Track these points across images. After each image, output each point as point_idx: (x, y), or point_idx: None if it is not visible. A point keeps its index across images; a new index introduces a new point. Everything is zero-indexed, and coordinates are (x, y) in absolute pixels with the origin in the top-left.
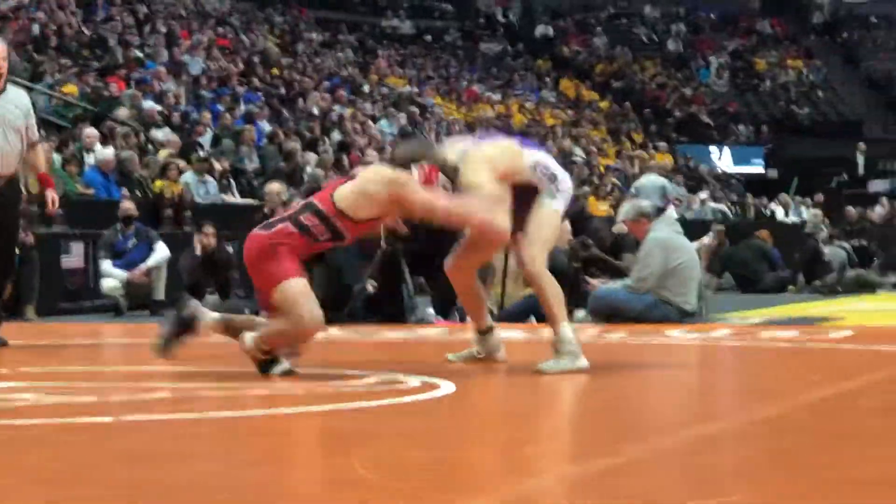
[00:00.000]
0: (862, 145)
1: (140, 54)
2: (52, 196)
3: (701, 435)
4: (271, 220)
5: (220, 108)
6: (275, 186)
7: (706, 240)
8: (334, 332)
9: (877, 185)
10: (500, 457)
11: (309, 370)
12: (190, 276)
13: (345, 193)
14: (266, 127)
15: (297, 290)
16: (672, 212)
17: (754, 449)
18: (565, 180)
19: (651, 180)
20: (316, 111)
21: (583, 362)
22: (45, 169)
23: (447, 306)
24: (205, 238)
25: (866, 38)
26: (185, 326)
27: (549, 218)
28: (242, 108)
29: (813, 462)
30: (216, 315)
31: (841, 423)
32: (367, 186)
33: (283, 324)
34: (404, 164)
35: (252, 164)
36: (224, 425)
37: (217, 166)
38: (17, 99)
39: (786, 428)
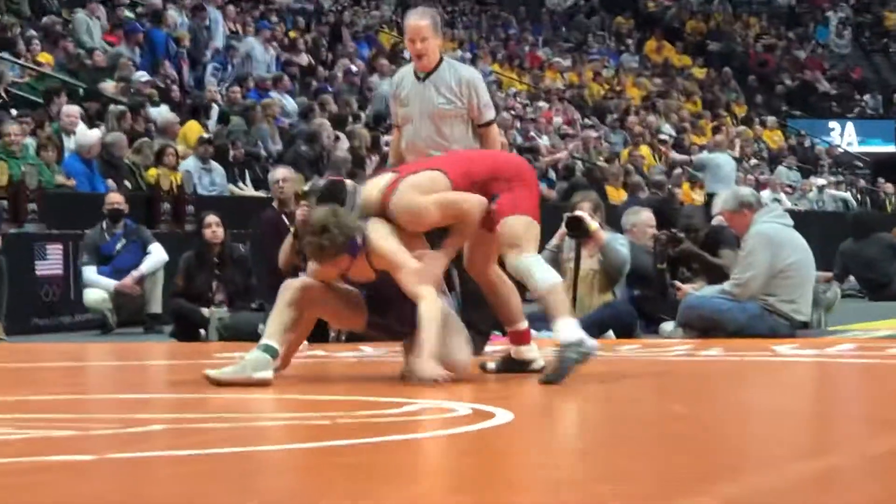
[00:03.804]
0: None
1: (130, 14)
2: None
3: (809, 472)
4: None
5: (228, 78)
6: (280, 173)
7: None
8: (367, 350)
9: None
10: (561, 501)
11: (335, 396)
12: (181, 279)
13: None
14: (288, 103)
15: None
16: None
17: (873, 489)
18: None
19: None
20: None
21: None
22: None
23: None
24: (208, 231)
25: None
26: None
27: None
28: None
29: None
30: None
31: None
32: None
33: None
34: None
35: (276, 146)
36: (230, 463)
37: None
38: (448, 80)
39: None
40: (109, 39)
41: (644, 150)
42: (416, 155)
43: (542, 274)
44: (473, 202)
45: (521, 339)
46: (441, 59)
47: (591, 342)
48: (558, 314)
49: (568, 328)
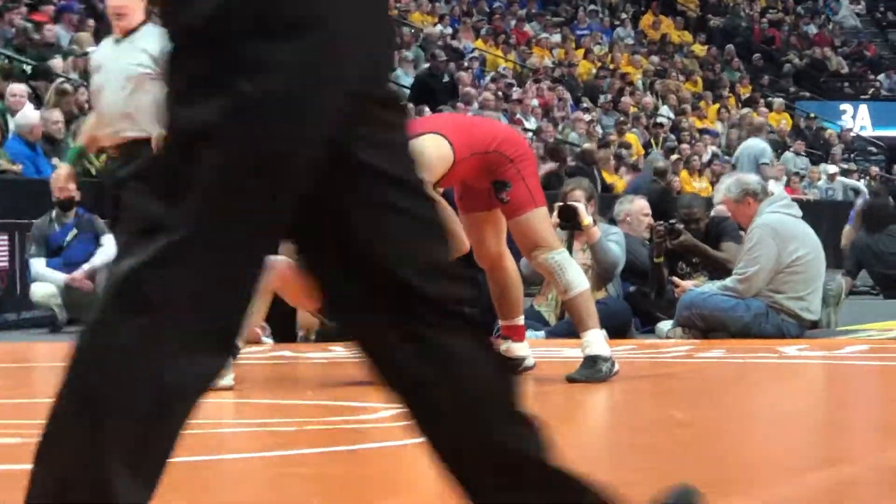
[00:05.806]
0: None
1: None
2: None
3: (820, 483)
4: None
5: None
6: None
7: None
8: (338, 350)
9: None
10: None
11: (302, 401)
12: None
13: None
14: None
15: None
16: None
17: (890, 501)
18: None
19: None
20: None
21: None
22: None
23: (488, 317)
24: None
25: None
26: None
27: None
28: None
29: None
30: None
31: None
32: None
33: None
34: None
35: None
36: (187, 473)
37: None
38: (151, 44)
39: None
40: (37, 18)
41: (630, 137)
42: (107, 127)
43: (576, 275)
44: (462, 241)
45: (515, 334)
46: (145, 22)
47: (616, 365)
48: (591, 323)
49: (602, 342)
